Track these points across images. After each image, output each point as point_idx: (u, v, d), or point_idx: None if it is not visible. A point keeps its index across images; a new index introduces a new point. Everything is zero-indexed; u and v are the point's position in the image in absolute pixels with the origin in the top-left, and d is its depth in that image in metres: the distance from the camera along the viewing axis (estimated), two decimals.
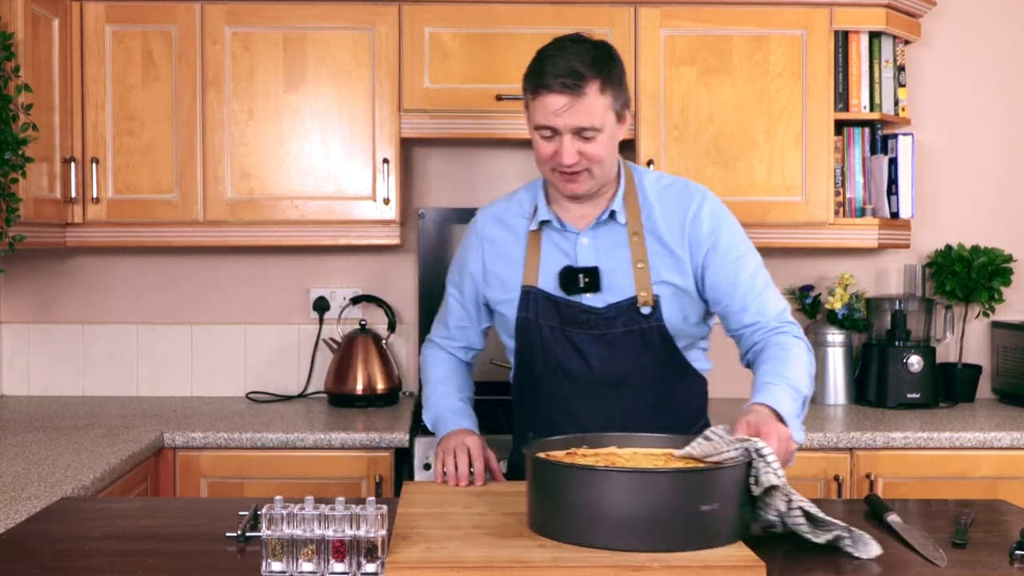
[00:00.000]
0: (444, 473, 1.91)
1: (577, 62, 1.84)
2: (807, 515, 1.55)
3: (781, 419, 1.72)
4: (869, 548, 1.52)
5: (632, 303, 1.93)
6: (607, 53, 1.90)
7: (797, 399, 1.78)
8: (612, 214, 1.96)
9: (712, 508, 1.46)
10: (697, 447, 1.61)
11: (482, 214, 2.11)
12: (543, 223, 2.00)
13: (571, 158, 1.86)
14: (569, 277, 1.94)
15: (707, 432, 1.62)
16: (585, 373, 1.96)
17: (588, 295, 1.95)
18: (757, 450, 1.54)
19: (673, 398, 2.02)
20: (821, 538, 1.54)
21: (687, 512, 1.45)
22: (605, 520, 1.46)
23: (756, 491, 1.54)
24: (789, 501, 1.55)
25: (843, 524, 1.54)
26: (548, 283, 1.97)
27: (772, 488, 1.54)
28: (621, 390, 1.97)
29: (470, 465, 1.91)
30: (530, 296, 1.97)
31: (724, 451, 1.57)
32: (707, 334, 2.08)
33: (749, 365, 1.97)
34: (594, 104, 1.84)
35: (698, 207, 1.97)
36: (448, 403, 2.09)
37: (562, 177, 1.91)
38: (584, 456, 1.66)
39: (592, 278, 1.93)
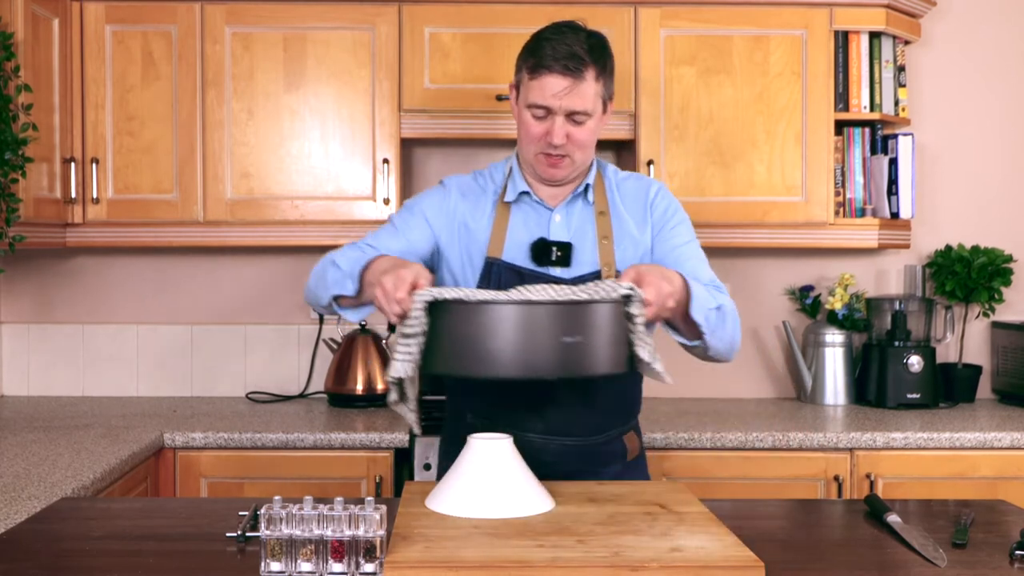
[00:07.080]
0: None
1: (578, 47, 1.92)
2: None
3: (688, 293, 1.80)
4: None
5: (595, 276, 1.99)
6: (602, 43, 1.98)
7: (711, 300, 1.85)
8: (586, 188, 2.03)
9: (576, 340, 1.58)
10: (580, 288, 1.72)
11: (452, 179, 2.13)
12: (522, 194, 2.03)
13: (560, 138, 1.93)
14: (542, 248, 1.99)
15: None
16: None
17: (557, 268, 2.00)
18: (625, 297, 1.65)
19: (616, 382, 2.01)
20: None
21: (551, 343, 1.58)
22: (485, 350, 1.59)
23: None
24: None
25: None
26: (514, 255, 2.01)
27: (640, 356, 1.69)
28: None
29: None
30: (493, 267, 2.00)
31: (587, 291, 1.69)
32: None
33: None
34: (588, 90, 1.92)
35: (656, 192, 2.08)
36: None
37: (546, 160, 1.97)
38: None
39: (564, 252, 1.99)
